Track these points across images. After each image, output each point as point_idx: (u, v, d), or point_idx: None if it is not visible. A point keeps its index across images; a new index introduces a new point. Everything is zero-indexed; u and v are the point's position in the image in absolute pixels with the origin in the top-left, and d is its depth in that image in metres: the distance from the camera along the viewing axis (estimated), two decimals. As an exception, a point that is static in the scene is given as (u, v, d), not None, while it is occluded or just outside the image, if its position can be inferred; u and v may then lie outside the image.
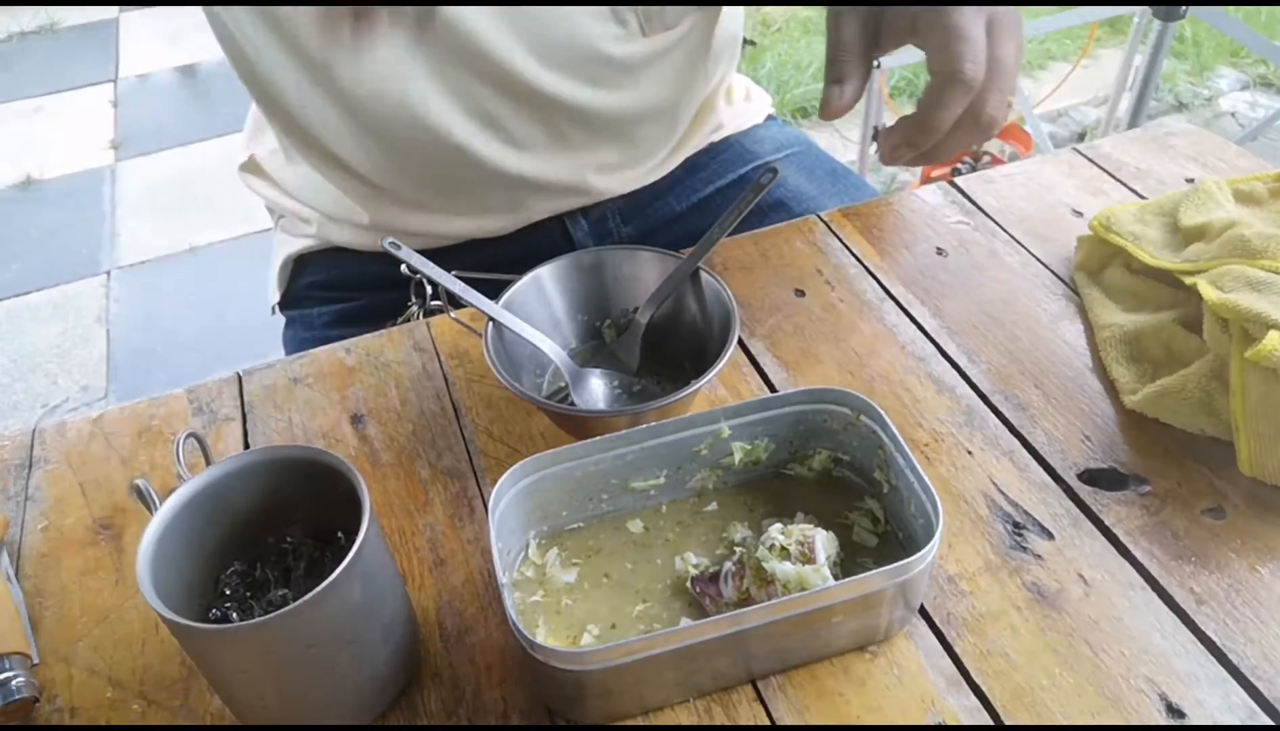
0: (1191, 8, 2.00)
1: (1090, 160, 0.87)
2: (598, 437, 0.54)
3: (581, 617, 0.53)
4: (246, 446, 0.67)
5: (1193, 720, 0.48)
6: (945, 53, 0.58)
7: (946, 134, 0.60)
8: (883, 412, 0.54)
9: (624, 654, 0.46)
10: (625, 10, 0.72)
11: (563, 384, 0.67)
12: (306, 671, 0.45)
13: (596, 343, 0.71)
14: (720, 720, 0.50)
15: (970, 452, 0.62)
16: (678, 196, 0.90)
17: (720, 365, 0.59)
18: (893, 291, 0.75)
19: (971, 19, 0.58)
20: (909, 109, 0.64)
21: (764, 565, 0.50)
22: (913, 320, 0.72)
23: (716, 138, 0.92)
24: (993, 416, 0.64)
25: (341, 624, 0.45)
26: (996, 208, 0.83)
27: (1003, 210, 0.82)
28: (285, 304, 0.92)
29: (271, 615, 0.42)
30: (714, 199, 0.91)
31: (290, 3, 0.64)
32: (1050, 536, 0.57)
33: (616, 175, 0.84)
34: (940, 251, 0.78)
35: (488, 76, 0.72)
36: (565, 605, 0.54)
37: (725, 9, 0.83)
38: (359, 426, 0.68)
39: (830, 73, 0.64)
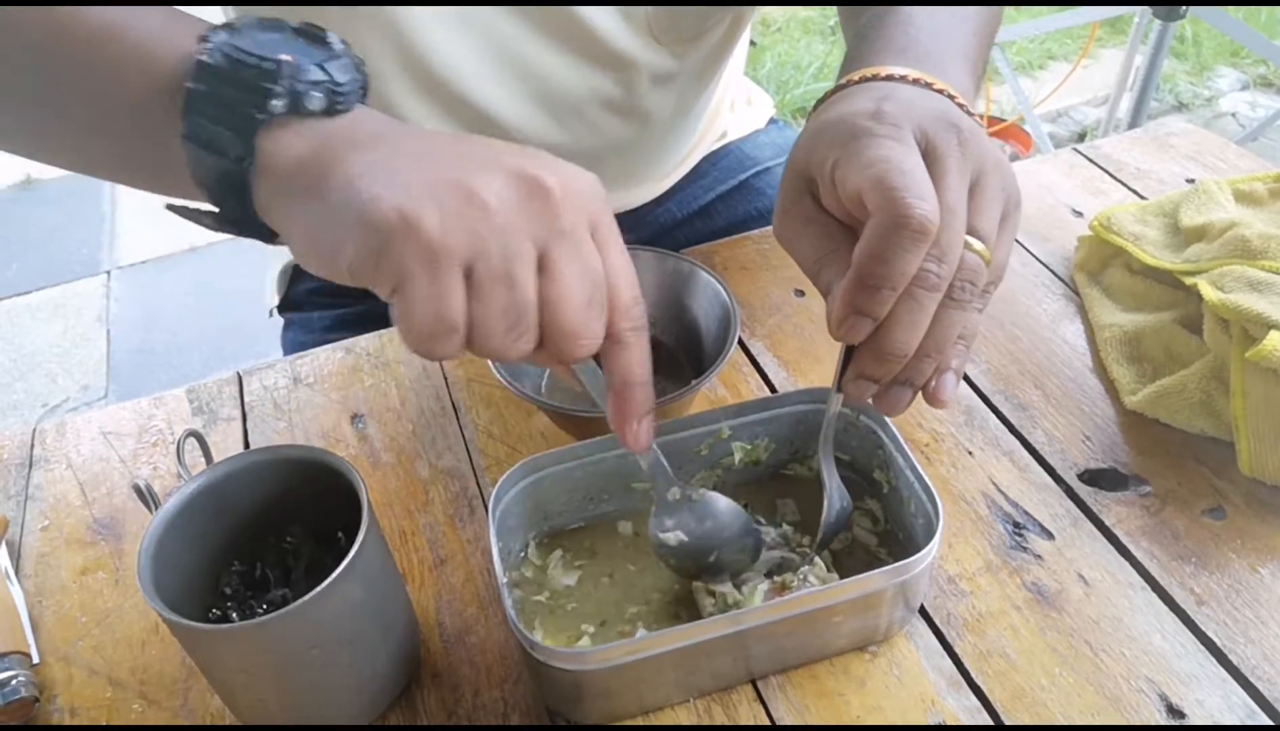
0: (1191, 8, 2.00)
1: (1090, 160, 0.87)
2: (598, 438, 0.54)
3: (580, 618, 0.53)
4: (246, 446, 0.67)
5: (1193, 720, 0.48)
6: (883, 196, 0.40)
7: (905, 298, 0.41)
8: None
9: (624, 654, 0.46)
10: (639, 18, 0.69)
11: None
12: (306, 671, 0.45)
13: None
14: (720, 720, 0.50)
15: (970, 452, 0.62)
16: (679, 203, 0.90)
17: (720, 365, 0.59)
18: (893, 291, 0.75)
19: (895, 149, 0.41)
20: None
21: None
22: (913, 320, 0.72)
23: (719, 145, 0.92)
24: (993, 416, 0.64)
25: (341, 624, 0.45)
26: (997, 208, 0.83)
27: (1003, 210, 0.82)
28: (284, 307, 0.92)
29: (271, 615, 0.42)
30: (715, 205, 0.91)
31: (290, 3, 0.63)
32: (1050, 536, 0.57)
33: (614, 199, 0.84)
34: (940, 251, 0.78)
35: (482, 125, 0.72)
36: (563, 606, 0.54)
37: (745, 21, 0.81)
38: (359, 426, 0.68)
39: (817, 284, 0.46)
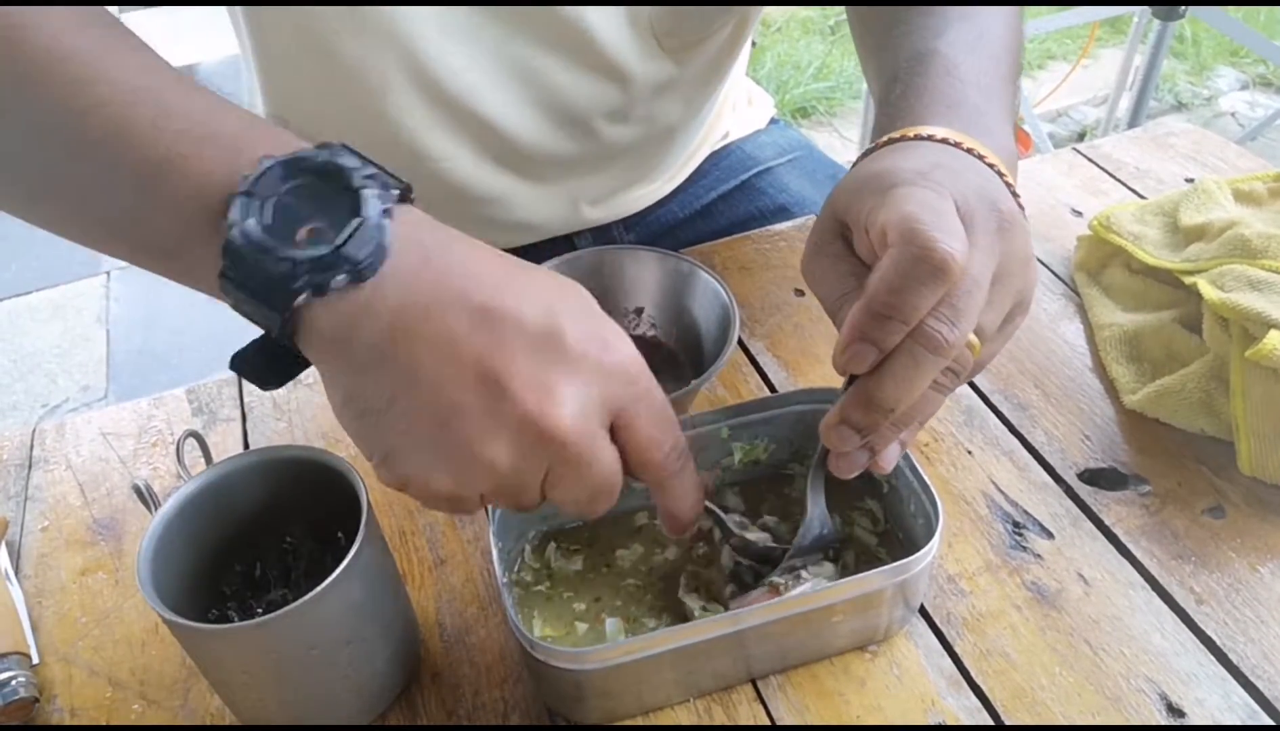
0: (1191, 7, 2.00)
1: (1090, 160, 0.87)
2: (598, 437, 0.54)
3: (578, 611, 0.53)
4: (246, 446, 0.67)
5: (1193, 720, 0.48)
6: (908, 229, 0.39)
7: (906, 354, 0.40)
8: (883, 412, 0.54)
9: (624, 653, 0.46)
10: (644, 23, 0.69)
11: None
12: (306, 671, 0.45)
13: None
14: (720, 720, 0.50)
15: (970, 452, 0.62)
16: (680, 203, 0.90)
17: (720, 365, 0.59)
18: (893, 291, 0.75)
19: (930, 196, 0.41)
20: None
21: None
22: (913, 320, 0.72)
23: (721, 145, 0.92)
24: (993, 416, 0.64)
25: (341, 624, 0.45)
26: (996, 207, 0.82)
27: (1003, 210, 0.82)
28: None
29: (271, 615, 0.42)
30: (716, 205, 0.91)
31: (291, 3, 0.63)
32: (1050, 536, 0.57)
33: (617, 204, 0.85)
34: (940, 251, 0.78)
35: (484, 135, 0.72)
36: (563, 599, 0.54)
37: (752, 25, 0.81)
38: (359, 426, 0.67)
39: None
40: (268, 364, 0.41)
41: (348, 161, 0.38)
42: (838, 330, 0.44)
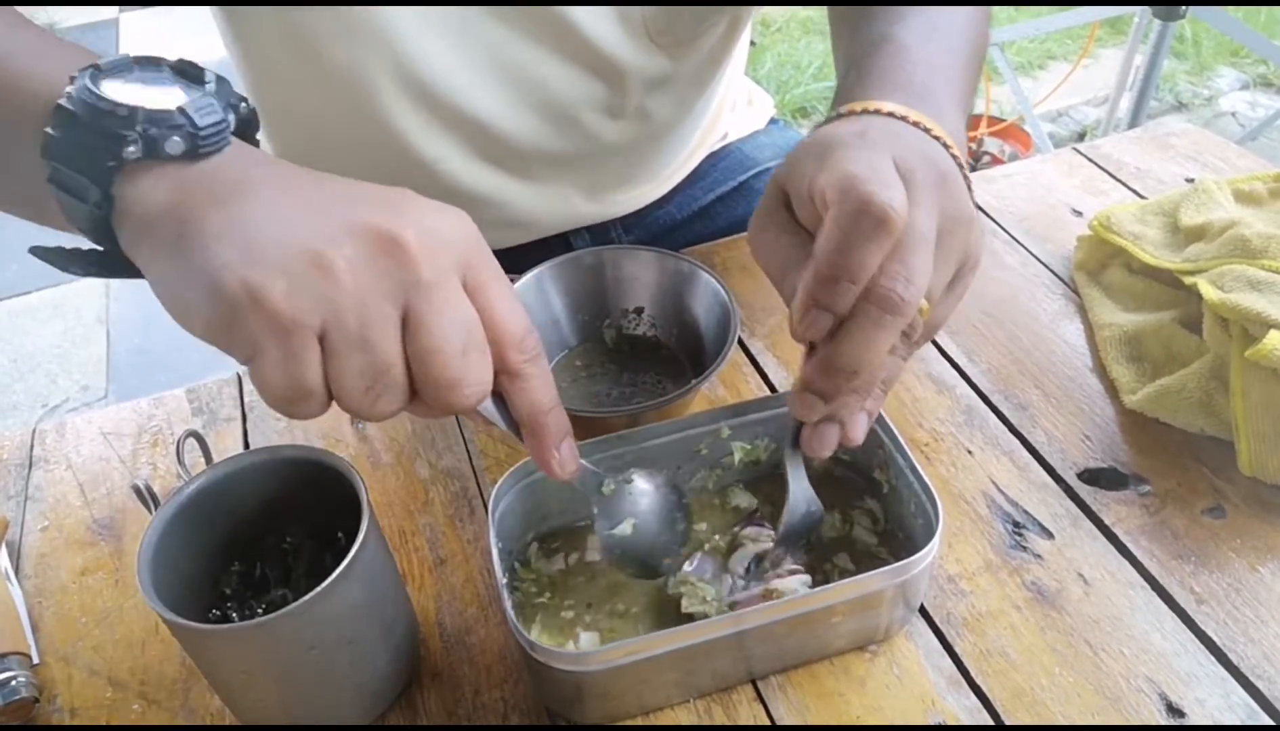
0: (1191, 7, 2.00)
1: (1090, 160, 0.87)
2: (598, 437, 0.54)
3: (579, 614, 0.53)
4: (246, 446, 0.67)
5: (1193, 720, 0.48)
6: (845, 186, 0.39)
7: (862, 315, 0.40)
8: (882, 412, 0.54)
9: (624, 654, 0.46)
10: (636, 19, 0.69)
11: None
12: (306, 671, 0.45)
13: (596, 341, 0.71)
14: (720, 720, 0.50)
15: (970, 452, 0.62)
16: (679, 205, 0.90)
17: (720, 365, 0.59)
18: (893, 291, 0.75)
19: (867, 154, 0.41)
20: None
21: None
22: (913, 320, 0.72)
23: (720, 146, 0.92)
24: (993, 416, 0.64)
25: (341, 624, 0.45)
26: (996, 207, 0.83)
27: (1003, 210, 0.82)
28: None
29: (271, 615, 0.42)
30: (715, 207, 0.91)
31: (293, 3, 0.63)
32: (1050, 536, 0.57)
33: (612, 201, 0.85)
34: (940, 251, 0.78)
35: (480, 136, 0.72)
36: (563, 603, 0.54)
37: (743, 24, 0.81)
38: (359, 427, 0.68)
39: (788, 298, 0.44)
40: (77, 256, 0.40)
41: (201, 68, 0.39)
42: (785, 303, 0.43)
